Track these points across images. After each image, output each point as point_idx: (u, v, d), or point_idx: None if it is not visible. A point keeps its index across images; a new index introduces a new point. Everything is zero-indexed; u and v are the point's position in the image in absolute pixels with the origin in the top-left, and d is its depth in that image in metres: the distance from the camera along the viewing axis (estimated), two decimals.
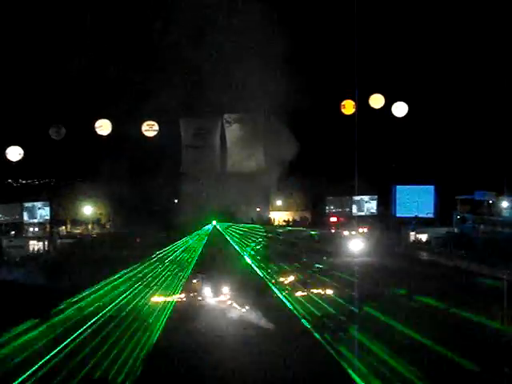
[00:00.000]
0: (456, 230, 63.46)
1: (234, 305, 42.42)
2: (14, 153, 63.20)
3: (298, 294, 45.07)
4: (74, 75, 57.71)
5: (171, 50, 56.14)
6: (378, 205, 68.87)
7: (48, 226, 64.84)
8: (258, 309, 40.24)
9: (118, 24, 55.83)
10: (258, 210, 68.58)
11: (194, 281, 46.50)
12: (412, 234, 64.62)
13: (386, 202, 68.16)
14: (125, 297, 42.82)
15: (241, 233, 59.38)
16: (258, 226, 62.24)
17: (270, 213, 70.71)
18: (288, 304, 42.03)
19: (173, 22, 57.33)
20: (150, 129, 64.73)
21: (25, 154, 63.29)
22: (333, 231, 65.80)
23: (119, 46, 57.10)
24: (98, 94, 57.42)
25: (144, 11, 57.27)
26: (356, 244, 57.63)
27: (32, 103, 60.35)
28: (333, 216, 68.33)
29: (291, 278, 48.87)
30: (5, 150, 62.93)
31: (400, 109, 67.99)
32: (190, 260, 51.77)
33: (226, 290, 44.64)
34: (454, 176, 63.14)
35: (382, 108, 67.45)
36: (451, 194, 63.76)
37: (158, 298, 43.72)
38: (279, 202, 71.31)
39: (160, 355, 32.40)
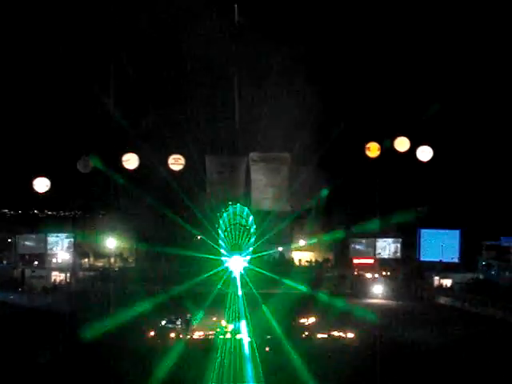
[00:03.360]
0: (481, 276, 62.50)
1: None
2: (41, 184, 63.73)
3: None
4: (103, 110, 58.70)
5: (199, 86, 57.00)
6: (402, 248, 68.12)
7: (71, 257, 65.23)
8: None
9: (147, 59, 56.93)
10: (280, 249, 68.30)
11: None
12: (436, 278, 63.77)
13: (411, 245, 67.41)
14: None
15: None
16: None
17: (293, 252, 70.29)
18: None
19: (202, 60, 58.33)
20: (175, 162, 64.89)
21: (51, 186, 63.97)
22: (356, 273, 65.48)
23: (147, 81, 58.05)
24: (125, 128, 58.13)
25: (173, 48, 58.36)
26: (378, 287, 57.06)
27: (61, 136, 61.32)
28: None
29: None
30: (32, 181, 63.75)
31: (425, 153, 67.69)
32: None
33: None
34: (480, 221, 62.37)
35: (406, 151, 67.29)
36: (477, 239, 62.91)
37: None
38: (302, 242, 70.90)
39: None
